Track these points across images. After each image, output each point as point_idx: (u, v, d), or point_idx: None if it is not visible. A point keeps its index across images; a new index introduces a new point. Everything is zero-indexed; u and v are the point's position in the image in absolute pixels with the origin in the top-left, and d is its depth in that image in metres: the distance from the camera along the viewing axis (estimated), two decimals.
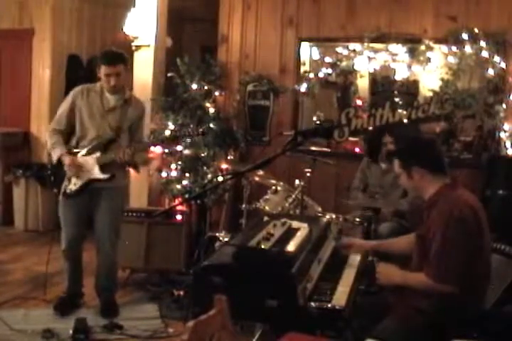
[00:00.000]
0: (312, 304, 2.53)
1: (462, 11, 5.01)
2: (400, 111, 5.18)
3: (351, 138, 5.48)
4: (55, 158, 3.97)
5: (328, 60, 5.40)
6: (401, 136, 4.48)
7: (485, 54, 4.84)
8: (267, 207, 4.25)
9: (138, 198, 5.57)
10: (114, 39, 6.29)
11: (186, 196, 5.28)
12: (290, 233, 2.93)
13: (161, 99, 5.51)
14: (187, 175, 5.42)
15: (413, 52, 5.07)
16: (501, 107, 4.86)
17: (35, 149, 6.47)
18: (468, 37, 4.86)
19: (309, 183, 4.45)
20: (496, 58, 4.83)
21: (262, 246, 2.66)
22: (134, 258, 4.76)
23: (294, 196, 4.29)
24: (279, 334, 2.44)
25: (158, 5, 5.50)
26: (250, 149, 5.78)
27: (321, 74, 5.45)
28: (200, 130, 4.95)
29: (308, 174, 4.28)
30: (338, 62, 5.34)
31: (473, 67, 4.94)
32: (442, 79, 4.99)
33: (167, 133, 5.34)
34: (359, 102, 5.44)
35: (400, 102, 5.28)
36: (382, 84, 5.57)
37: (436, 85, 5.04)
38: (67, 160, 3.90)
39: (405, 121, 5.15)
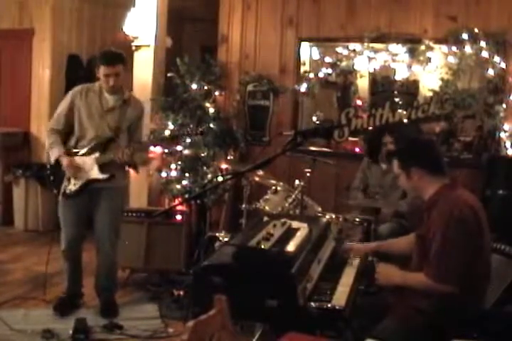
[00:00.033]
0: (312, 304, 2.53)
1: (462, 11, 5.01)
2: (400, 111, 5.19)
3: (351, 138, 5.48)
4: (52, 158, 3.97)
5: (328, 60, 5.40)
6: (401, 136, 4.49)
7: (485, 54, 4.84)
8: (267, 207, 4.25)
9: (138, 198, 5.57)
10: (114, 39, 6.29)
11: (186, 196, 5.28)
12: (290, 233, 2.93)
13: (160, 99, 5.51)
14: (187, 175, 5.42)
15: (413, 52, 5.06)
16: (501, 107, 4.86)
17: (35, 149, 6.47)
18: (468, 37, 4.86)
19: (309, 183, 4.45)
20: (496, 58, 4.83)
21: (262, 246, 2.65)
22: (134, 258, 4.75)
23: (294, 196, 4.29)
24: (279, 334, 2.43)
25: (158, 5, 5.50)
26: (250, 149, 5.78)
27: (321, 74, 5.45)
28: (200, 130, 4.95)
29: (308, 174, 4.28)
30: (338, 62, 5.34)
31: (473, 67, 4.94)
32: (442, 79, 4.99)
33: (167, 133, 5.34)
34: (359, 102, 5.44)
35: (400, 102, 5.28)
36: (382, 84, 5.57)
37: (436, 85, 5.04)
38: (64, 161, 3.90)
39: (405, 121, 5.15)
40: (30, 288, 4.55)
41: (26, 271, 4.96)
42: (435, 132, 5.21)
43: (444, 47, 5.01)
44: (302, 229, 3.00)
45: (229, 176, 4.96)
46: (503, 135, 4.87)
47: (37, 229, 6.20)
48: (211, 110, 5.57)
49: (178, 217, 4.82)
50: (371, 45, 5.21)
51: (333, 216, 4.14)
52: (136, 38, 5.46)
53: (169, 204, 5.43)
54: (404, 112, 5.16)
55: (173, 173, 5.45)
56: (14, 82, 6.64)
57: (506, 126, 4.87)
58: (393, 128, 4.92)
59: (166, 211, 4.60)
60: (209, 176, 5.35)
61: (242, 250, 2.70)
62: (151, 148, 5.09)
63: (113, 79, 3.86)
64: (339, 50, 5.34)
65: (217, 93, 5.76)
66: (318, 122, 5.47)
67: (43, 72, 6.41)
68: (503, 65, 4.85)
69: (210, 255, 3.01)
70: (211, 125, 5.50)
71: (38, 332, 3.71)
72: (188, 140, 5.40)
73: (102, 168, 3.94)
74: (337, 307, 2.54)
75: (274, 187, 4.48)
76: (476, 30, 4.85)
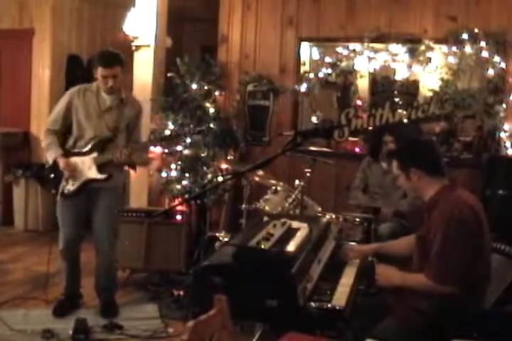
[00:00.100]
0: (312, 304, 2.53)
1: (462, 11, 5.01)
2: (399, 111, 5.19)
3: (351, 138, 5.48)
4: (50, 160, 3.98)
5: (328, 60, 5.40)
6: (401, 137, 4.49)
7: (485, 54, 4.84)
8: (267, 207, 4.25)
9: (138, 198, 5.57)
10: (114, 39, 6.29)
11: (186, 196, 5.28)
12: (290, 233, 2.93)
13: (160, 99, 5.51)
14: (187, 175, 5.42)
15: (413, 52, 5.07)
16: (501, 107, 4.86)
17: (35, 149, 6.47)
18: (468, 37, 4.87)
19: (309, 183, 4.44)
20: (496, 58, 4.83)
21: (262, 246, 2.65)
22: (134, 258, 4.75)
23: (294, 196, 4.29)
24: (279, 334, 2.43)
25: (158, 5, 5.50)
26: (250, 149, 5.78)
27: (321, 74, 5.45)
28: (197, 129, 4.95)
29: (308, 174, 4.28)
30: (338, 62, 5.34)
31: (473, 67, 4.94)
32: (442, 79, 4.99)
33: (167, 133, 5.34)
34: (359, 102, 5.44)
35: (400, 102, 5.29)
36: (382, 84, 5.57)
37: (436, 85, 5.04)
38: (61, 163, 3.90)
39: (405, 121, 5.15)
40: (30, 288, 4.55)
41: (26, 271, 4.96)
42: (435, 132, 5.21)
43: (444, 47, 5.01)
44: (302, 229, 3.00)
45: (229, 176, 4.96)
46: (503, 135, 4.87)
47: (37, 229, 6.20)
48: (211, 110, 5.57)
49: (178, 217, 4.82)
50: (371, 45, 5.21)
51: (333, 216, 4.14)
52: (136, 38, 5.46)
53: (169, 205, 5.43)
54: (404, 112, 5.16)
55: (173, 173, 5.45)
56: (14, 82, 6.64)
57: (506, 126, 4.87)
58: (394, 127, 4.93)
59: (166, 211, 4.60)
60: (209, 176, 5.35)
61: (242, 250, 2.70)
62: (151, 148, 5.09)
63: (111, 81, 3.86)
64: (339, 50, 5.34)
65: (217, 93, 5.77)
66: (317, 122, 5.48)
67: (43, 72, 6.41)
68: (503, 65, 4.85)
69: (210, 255, 3.01)
70: (211, 125, 5.50)
71: (38, 332, 3.71)
72: (188, 140, 5.40)
73: (100, 168, 3.94)
74: (337, 308, 2.54)
75: (274, 187, 4.48)
76: (476, 30, 4.85)
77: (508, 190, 4.57)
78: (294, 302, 2.47)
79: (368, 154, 4.89)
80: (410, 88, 5.42)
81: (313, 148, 5.15)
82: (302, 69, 5.67)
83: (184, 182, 5.40)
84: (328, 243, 3.25)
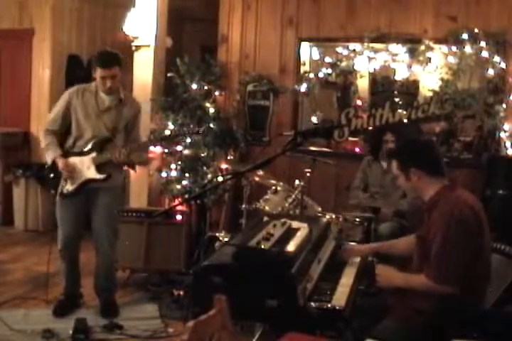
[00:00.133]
0: (312, 304, 2.53)
1: (462, 11, 5.01)
2: (400, 111, 5.19)
3: (351, 138, 5.48)
4: (49, 160, 3.98)
5: (328, 60, 5.40)
6: (402, 135, 4.50)
7: (485, 54, 4.84)
8: (267, 207, 4.25)
9: (138, 198, 5.57)
10: (114, 39, 6.29)
11: (186, 196, 5.28)
12: (290, 233, 2.93)
13: (160, 99, 5.51)
14: (187, 175, 5.42)
15: (413, 52, 5.07)
16: (501, 107, 4.86)
17: (35, 149, 6.47)
18: (468, 37, 4.87)
19: (309, 183, 4.45)
20: (496, 58, 4.83)
21: (262, 246, 2.65)
22: (134, 259, 4.75)
23: (294, 196, 4.29)
24: (279, 334, 2.44)
25: (158, 5, 5.50)
26: (250, 149, 5.78)
27: (321, 74, 5.45)
28: (196, 129, 4.95)
29: (308, 174, 4.28)
30: (338, 62, 5.35)
31: (473, 67, 4.94)
32: (442, 79, 5.00)
33: (167, 133, 5.34)
34: (359, 102, 5.44)
35: (400, 102, 5.29)
36: (382, 84, 5.57)
37: (436, 85, 5.04)
38: (60, 163, 3.90)
39: (405, 121, 5.15)
40: (30, 288, 4.55)
41: (26, 271, 4.96)
42: (435, 132, 5.22)
43: (444, 47, 5.01)
44: (302, 229, 3.00)
45: (229, 176, 4.97)
46: (503, 135, 4.87)
47: (37, 229, 6.20)
48: (211, 110, 5.58)
49: (178, 217, 4.82)
50: (371, 45, 5.21)
51: (333, 216, 4.14)
52: (136, 37, 5.46)
53: (169, 205, 5.43)
54: (404, 112, 5.16)
55: (173, 173, 5.45)
56: (14, 82, 6.64)
57: (506, 126, 4.87)
58: (395, 126, 4.93)
59: (166, 211, 4.60)
60: (209, 176, 5.35)
61: (242, 250, 2.69)
62: (151, 148, 5.10)
63: (110, 81, 3.86)
64: (339, 50, 5.34)
65: (217, 93, 5.77)
66: (317, 122, 5.48)
67: (43, 72, 6.41)
68: (503, 65, 4.85)
69: (210, 255, 3.01)
70: (211, 125, 5.50)
71: (38, 332, 3.71)
72: (188, 140, 5.41)
73: (99, 167, 3.94)
74: (337, 308, 2.54)
75: (274, 187, 4.48)
76: (476, 30, 4.85)
77: (508, 190, 4.57)
78: (294, 302, 2.47)
79: (369, 153, 4.89)
80: (410, 88, 5.42)
81: (313, 148, 5.15)
82: (302, 69, 5.67)
83: (184, 182, 5.40)
84: (328, 243, 3.25)
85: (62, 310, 4.06)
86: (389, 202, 4.59)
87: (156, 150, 5.39)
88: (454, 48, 4.93)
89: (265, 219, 3.22)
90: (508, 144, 4.84)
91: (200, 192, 4.37)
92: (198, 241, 5.03)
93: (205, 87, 5.63)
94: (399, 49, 5.12)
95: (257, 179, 4.49)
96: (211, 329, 1.91)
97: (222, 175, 5.19)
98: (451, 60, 4.96)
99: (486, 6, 4.94)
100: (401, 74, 5.23)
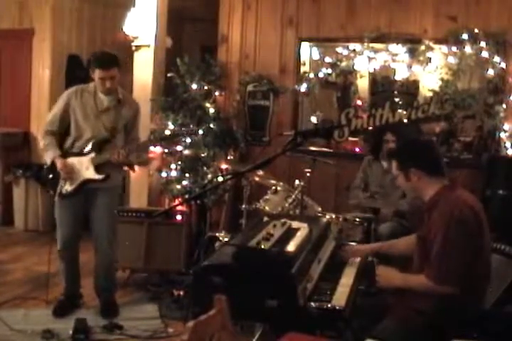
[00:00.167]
0: (312, 304, 2.53)
1: (462, 11, 5.01)
2: (400, 111, 5.19)
3: (351, 138, 5.48)
4: (48, 160, 3.98)
5: (328, 60, 5.40)
6: (402, 135, 4.50)
7: (485, 54, 4.84)
8: (267, 207, 4.25)
9: (138, 198, 5.57)
10: (114, 39, 6.29)
11: (186, 196, 5.28)
12: (290, 233, 2.93)
13: (160, 99, 5.51)
14: (187, 175, 5.42)
15: (413, 52, 5.07)
16: (501, 107, 4.86)
17: (35, 149, 6.47)
18: (468, 37, 4.86)
19: (309, 183, 4.45)
20: (496, 58, 4.83)
21: (262, 246, 2.65)
22: (134, 259, 4.75)
23: (294, 196, 4.29)
24: (279, 334, 2.44)
25: (158, 5, 5.49)
26: (250, 149, 5.78)
27: (321, 74, 5.45)
28: (192, 129, 4.95)
29: (308, 174, 4.28)
30: (338, 62, 5.35)
31: (473, 67, 4.94)
32: (442, 79, 4.99)
33: (167, 133, 5.34)
34: (359, 102, 5.44)
35: (400, 102, 5.29)
36: (382, 84, 5.57)
37: (436, 85, 5.04)
38: (59, 163, 3.90)
39: (405, 121, 5.15)
40: (30, 288, 4.55)
41: (26, 271, 4.96)
42: (435, 132, 5.21)
43: (444, 48, 5.01)
44: (302, 229, 3.00)
45: (229, 176, 4.97)
46: (503, 135, 4.87)
47: (37, 229, 6.20)
48: (211, 110, 5.57)
49: (178, 217, 4.82)
50: (371, 45, 5.21)
51: (333, 216, 4.14)
52: (136, 37, 5.46)
53: (169, 205, 5.43)
54: (404, 112, 5.16)
55: (173, 173, 5.45)
56: (14, 82, 6.64)
57: (506, 126, 4.87)
58: (396, 126, 4.93)
59: (166, 211, 4.60)
60: (209, 176, 5.35)
61: (242, 250, 2.70)
62: (151, 148, 5.10)
63: (109, 82, 3.86)
64: (339, 50, 5.34)
65: (217, 93, 5.77)
66: (317, 122, 5.48)
67: (43, 72, 6.41)
68: (503, 65, 4.85)
69: (210, 255, 3.01)
70: (211, 125, 5.50)
71: (38, 332, 3.71)
72: (188, 140, 5.41)
73: (98, 168, 3.94)
74: (337, 308, 2.54)
75: (274, 187, 4.48)
76: (476, 30, 4.85)
77: (508, 190, 4.57)
78: (294, 302, 2.47)
79: (369, 152, 4.89)
80: (410, 88, 5.42)
81: (313, 148, 5.16)
82: (302, 69, 5.67)
83: (184, 182, 5.40)
84: (328, 243, 3.25)
85: (62, 310, 4.07)
86: (389, 202, 4.59)
87: (156, 150, 5.39)
88: (454, 48, 4.93)
89: (265, 219, 3.22)
90: (508, 144, 4.84)
91: (200, 192, 4.37)
92: (198, 241, 5.03)
93: (205, 87, 5.62)
94: (399, 49, 5.12)
95: (257, 179, 4.49)
96: (211, 329, 1.91)
97: (222, 175, 5.19)
98: (451, 60, 4.96)
99: (486, 6, 4.94)
100: (401, 74, 5.23)
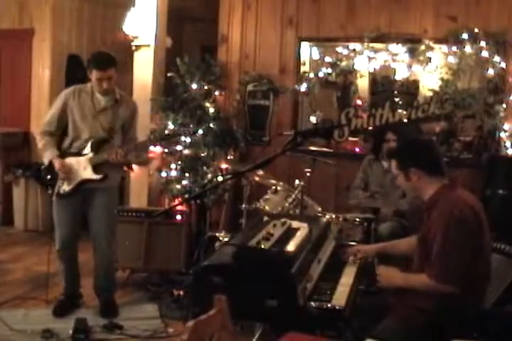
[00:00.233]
0: (312, 304, 2.53)
1: (462, 11, 5.01)
2: (399, 111, 5.19)
3: (351, 138, 5.48)
4: (46, 161, 3.98)
5: (328, 59, 5.40)
6: (403, 135, 4.50)
7: (485, 54, 4.84)
8: (267, 207, 4.25)
9: (138, 198, 5.57)
10: (114, 39, 6.29)
11: (186, 196, 5.28)
12: (290, 233, 2.94)
13: (160, 99, 5.51)
14: (187, 175, 5.42)
15: (413, 52, 5.06)
16: (501, 107, 4.86)
17: (35, 149, 6.46)
18: (468, 37, 4.86)
19: (309, 183, 4.44)
20: (496, 58, 4.83)
21: (262, 246, 2.65)
22: (134, 259, 4.75)
23: (294, 196, 4.29)
24: (279, 334, 2.44)
25: (158, 5, 5.50)
26: (250, 149, 5.78)
27: (321, 74, 5.45)
28: (191, 129, 4.95)
29: (308, 174, 4.28)
30: (338, 62, 5.34)
31: (473, 67, 4.94)
32: (442, 79, 4.99)
33: (166, 133, 5.34)
34: (359, 102, 5.44)
35: (400, 102, 5.29)
36: (382, 84, 5.57)
37: (436, 85, 5.04)
38: (57, 164, 3.90)
39: (405, 121, 5.15)
40: (30, 288, 4.55)
41: (26, 271, 4.96)
42: (435, 132, 5.21)
43: (444, 47, 5.00)
44: (302, 229, 3.00)
45: (229, 176, 4.96)
46: (503, 135, 4.87)
47: (37, 229, 6.20)
48: (211, 110, 5.57)
49: (178, 217, 4.82)
50: (371, 45, 5.21)
51: (333, 216, 4.14)
52: (136, 37, 5.46)
53: (169, 204, 5.43)
54: (404, 112, 5.16)
55: (173, 173, 5.45)
56: (14, 82, 6.64)
57: (506, 126, 4.87)
58: (397, 126, 4.94)
59: (166, 211, 4.60)
60: (209, 176, 5.35)
61: (242, 250, 2.70)
62: (151, 148, 5.10)
63: (106, 83, 3.87)
64: (339, 50, 5.34)
65: (217, 93, 5.77)
66: (316, 122, 5.48)
67: (43, 72, 6.41)
68: (503, 65, 4.85)
69: (210, 255, 3.01)
70: (211, 125, 5.50)
71: (38, 332, 3.71)
72: (188, 140, 5.41)
73: (96, 168, 3.94)
74: (337, 307, 2.54)
75: (274, 187, 4.48)
76: (476, 30, 4.85)
77: (508, 190, 4.56)
78: (294, 302, 2.48)
79: (370, 152, 4.89)
80: (410, 88, 5.42)
81: (313, 148, 5.15)
82: (302, 69, 5.66)
83: (184, 182, 5.40)
84: (328, 243, 3.25)
85: (62, 310, 4.07)
86: (389, 202, 4.59)
87: (156, 150, 5.39)
88: (454, 48, 4.93)
89: (265, 219, 3.22)
90: (508, 144, 4.84)
91: (200, 192, 4.37)
92: (198, 241, 5.03)
93: (205, 87, 5.62)
94: (399, 49, 5.12)
95: (257, 179, 4.49)
96: (211, 329, 1.91)
97: (222, 175, 5.19)
98: (451, 59, 4.96)
99: (486, 6, 4.94)
100: (401, 74, 5.23)
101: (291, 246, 2.72)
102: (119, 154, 3.86)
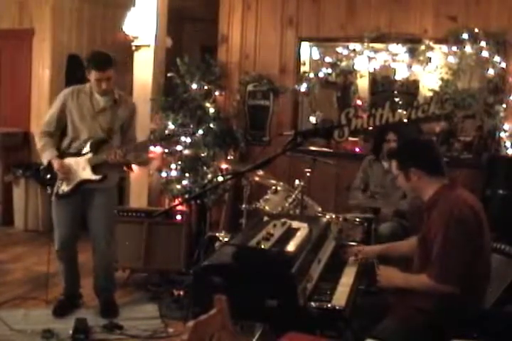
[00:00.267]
0: (312, 304, 2.53)
1: (462, 11, 5.01)
2: (399, 111, 5.19)
3: (351, 138, 5.48)
4: (45, 161, 3.98)
5: (328, 60, 5.40)
6: (403, 135, 4.50)
7: (485, 54, 4.84)
8: (267, 207, 4.25)
9: (138, 198, 5.57)
10: (114, 39, 6.29)
11: (186, 196, 5.28)
12: (290, 233, 2.93)
13: (161, 99, 5.51)
14: (187, 175, 5.42)
15: (413, 52, 5.06)
16: (501, 107, 4.86)
17: (35, 149, 6.43)
18: (469, 37, 4.86)
19: (309, 183, 4.44)
20: (496, 58, 4.83)
21: (262, 246, 2.65)
22: (134, 259, 4.75)
23: (294, 196, 4.29)
24: (279, 334, 2.44)
25: (158, 5, 5.49)
26: (250, 149, 5.78)
27: (321, 74, 5.45)
28: (190, 129, 4.95)
29: (308, 174, 4.28)
30: (338, 62, 5.34)
31: (473, 67, 4.94)
32: (442, 79, 4.99)
33: (166, 133, 5.34)
34: (359, 102, 5.44)
35: (400, 102, 5.29)
36: (382, 84, 5.57)
37: (436, 85, 5.04)
38: (56, 164, 3.90)
39: (406, 121, 5.15)
40: (30, 288, 4.55)
41: (26, 271, 4.96)
42: (435, 132, 5.21)
43: (444, 47, 5.01)
44: (302, 229, 3.00)
45: (229, 176, 4.97)
46: (503, 135, 4.87)
47: (37, 229, 6.20)
48: (211, 110, 5.57)
49: (178, 217, 4.82)
50: (371, 45, 5.21)
51: (333, 216, 4.14)
52: (136, 37, 5.46)
53: (169, 204, 5.43)
54: (404, 112, 5.16)
55: (173, 173, 5.44)
56: (14, 82, 6.64)
57: (506, 126, 4.87)
58: (398, 126, 4.94)
59: (166, 211, 4.60)
60: (209, 176, 5.35)
61: (242, 250, 2.70)
62: (151, 148, 5.10)
63: (105, 84, 3.86)
64: (339, 50, 5.34)
65: (217, 93, 5.76)
66: (316, 123, 5.48)
67: (43, 72, 6.41)
68: (503, 65, 4.85)
69: (210, 255, 3.01)
70: (211, 125, 5.49)
71: (38, 332, 3.71)
72: (188, 140, 5.41)
73: (95, 168, 3.94)
74: (337, 307, 2.54)
75: (274, 187, 4.48)
76: (476, 30, 4.85)
77: (508, 190, 4.56)
78: (294, 302, 2.48)
79: (371, 152, 4.89)
80: (410, 88, 5.42)
81: (313, 148, 5.15)
82: (302, 69, 5.66)
83: (184, 182, 5.40)
84: (328, 243, 3.25)
85: (62, 310, 4.07)
86: (389, 202, 4.59)
87: (156, 150, 5.39)
88: (454, 48, 4.93)
89: (265, 219, 3.22)
90: (508, 144, 4.84)
91: (200, 192, 4.37)
92: (198, 241, 5.03)
93: (205, 87, 5.62)
94: (399, 49, 5.12)
95: (257, 179, 4.49)
96: (211, 329, 1.91)
97: (222, 175, 5.19)
98: (451, 59, 4.96)
99: (486, 6, 4.94)
100: (401, 74, 5.23)
101: (291, 246, 2.71)
102: (118, 155, 3.85)
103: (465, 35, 4.87)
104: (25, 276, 4.82)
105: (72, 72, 6.42)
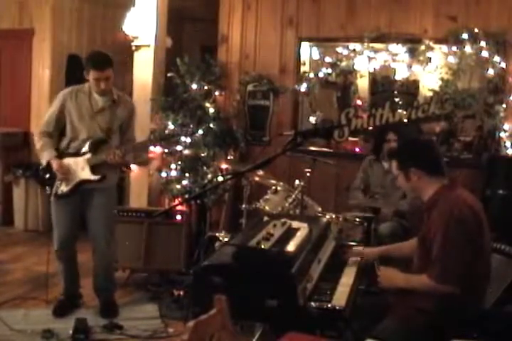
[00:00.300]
0: (312, 304, 2.53)
1: (462, 11, 5.01)
2: (400, 111, 5.19)
3: (351, 138, 5.48)
4: (44, 162, 3.98)
5: (328, 60, 5.40)
6: (403, 135, 4.50)
7: (485, 54, 4.84)
8: (267, 207, 4.25)
9: (138, 198, 5.57)
10: (114, 39, 6.29)
11: (186, 196, 5.28)
12: (290, 233, 2.93)
13: (161, 99, 5.51)
14: (187, 175, 5.42)
15: (413, 52, 5.07)
16: (501, 107, 4.86)
17: (35, 149, 6.38)
18: (469, 37, 4.87)
19: (309, 183, 4.44)
20: (496, 58, 4.83)
21: (262, 246, 2.65)
22: (134, 259, 4.75)
23: (294, 196, 4.29)
24: (279, 334, 2.44)
25: (158, 5, 5.49)
26: (250, 149, 5.78)
27: (321, 74, 5.45)
28: (190, 129, 4.96)
29: (308, 174, 4.28)
30: (338, 62, 5.35)
31: (473, 67, 4.94)
32: (442, 79, 5.00)
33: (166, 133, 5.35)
34: (359, 102, 5.44)
35: (400, 102, 5.29)
36: (382, 84, 5.57)
37: (436, 85, 5.04)
38: (55, 164, 3.90)
39: (406, 121, 5.15)
40: (30, 288, 4.55)
41: (26, 271, 4.96)
42: (435, 132, 5.22)
43: (444, 47, 5.01)
44: (302, 229, 3.00)
45: (229, 176, 4.97)
46: (503, 135, 4.87)
47: (37, 229, 6.20)
48: (211, 110, 5.57)
49: (178, 217, 4.82)
50: (371, 45, 5.21)
51: (333, 216, 4.14)
52: (136, 37, 5.46)
53: (169, 204, 5.43)
54: (404, 112, 5.16)
55: (173, 173, 5.44)
56: (14, 82, 6.64)
57: (506, 126, 4.87)
58: (398, 126, 4.94)
59: (166, 211, 4.60)
60: (209, 176, 5.35)
61: (242, 250, 2.69)
62: (151, 148, 5.10)
63: (104, 83, 3.86)
64: (339, 50, 5.34)
65: (217, 93, 5.76)
66: (316, 123, 5.48)
67: (43, 72, 6.41)
68: (503, 65, 4.85)
69: (210, 255, 3.01)
70: (211, 125, 5.49)
71: (38, 332, 3.71)
72: (188, 140, 5.41)
73: (94, 168, 3.94)
74: (337, 308, 2.54)
75: (274, 187, 4.48)
76: (476, 30, 4.85)
77: (508, 190, 4.57)
78: (294, 302, 2.48)
79: (371, 152, 4.89)
80: (410, 88, 5.42)
81: (313, 148, 5.16)
82: (302, 69, 5.66)
83: (184, 182, 5.40)
84: (328, 243, 3.25)
85: (62, 310, 4.07)
86: (389, 203, 4.59)
87: (156, 150, 5.39)
88: (454, 48, 4.93)
89: (265, 219, 3.22)
90: (508, 144, 4.84)
91: (200, 192, 4.37)
92: (198, 241, 5.03)
93: (205, 87, 5.62)
94: (399, 49, 5.12)
95: (257, 179, 4.49)
96: (211, 329, 1.91)
97: (222, 175, 5.19)
98: (451, 59, 4.96)
99: (486, 6, 4.94)
100: (401, 74, 5.23)
101: (291, 246, 2.71)
102: (116, 155, 3.85)
103: (465, 35, 4.87)
104: (25, 276, 4.82)
105: (72, 72, 6.42)
